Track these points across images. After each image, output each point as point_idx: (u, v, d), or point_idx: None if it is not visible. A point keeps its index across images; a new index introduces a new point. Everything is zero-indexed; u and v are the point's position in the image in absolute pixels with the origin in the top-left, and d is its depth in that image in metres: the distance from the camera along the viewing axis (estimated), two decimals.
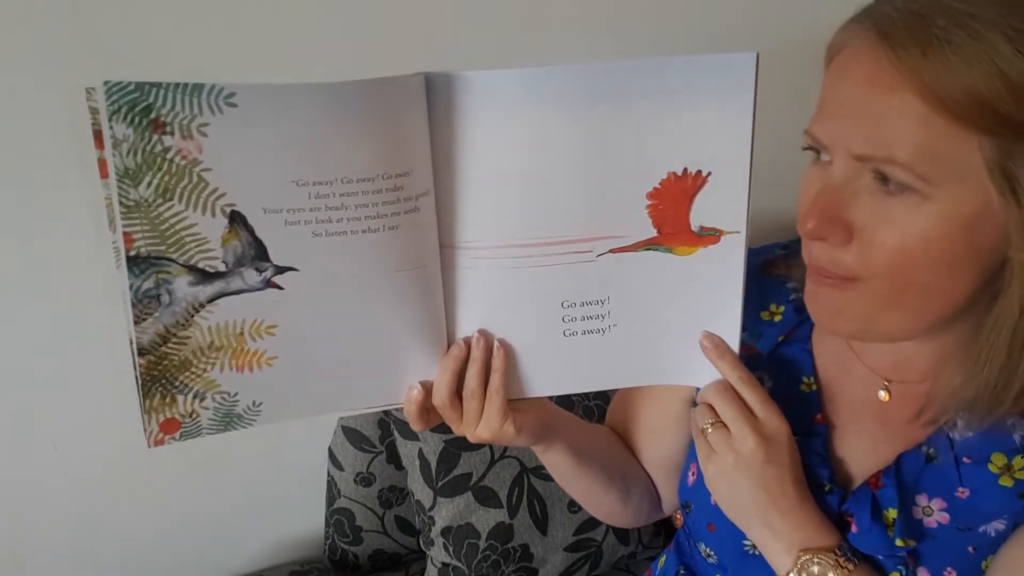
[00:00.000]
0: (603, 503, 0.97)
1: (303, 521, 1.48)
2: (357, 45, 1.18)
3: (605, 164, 0.70)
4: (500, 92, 0.67)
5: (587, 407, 1.36)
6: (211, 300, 0.67)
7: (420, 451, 1.30)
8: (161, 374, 0.69)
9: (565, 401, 1.32)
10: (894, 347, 0.81)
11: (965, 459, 0.77)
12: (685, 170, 0.71)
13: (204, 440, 1.32)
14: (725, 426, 0.78)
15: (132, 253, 0.63)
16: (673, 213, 0.73)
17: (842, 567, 0.74)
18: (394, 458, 1.37)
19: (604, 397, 1.37)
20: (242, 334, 0.69)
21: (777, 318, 0.89)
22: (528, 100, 0.67)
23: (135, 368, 0.67)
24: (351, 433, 1.36)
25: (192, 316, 0.67)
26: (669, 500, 1.02)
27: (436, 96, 0.67)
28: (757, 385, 0.77)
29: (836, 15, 0.74)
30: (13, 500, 1.28)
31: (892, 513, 0.78)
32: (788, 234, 0.94)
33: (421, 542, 1.37)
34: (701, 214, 0.73)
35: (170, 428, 0.72)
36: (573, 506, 1.34)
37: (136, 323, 0.66)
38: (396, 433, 1.33)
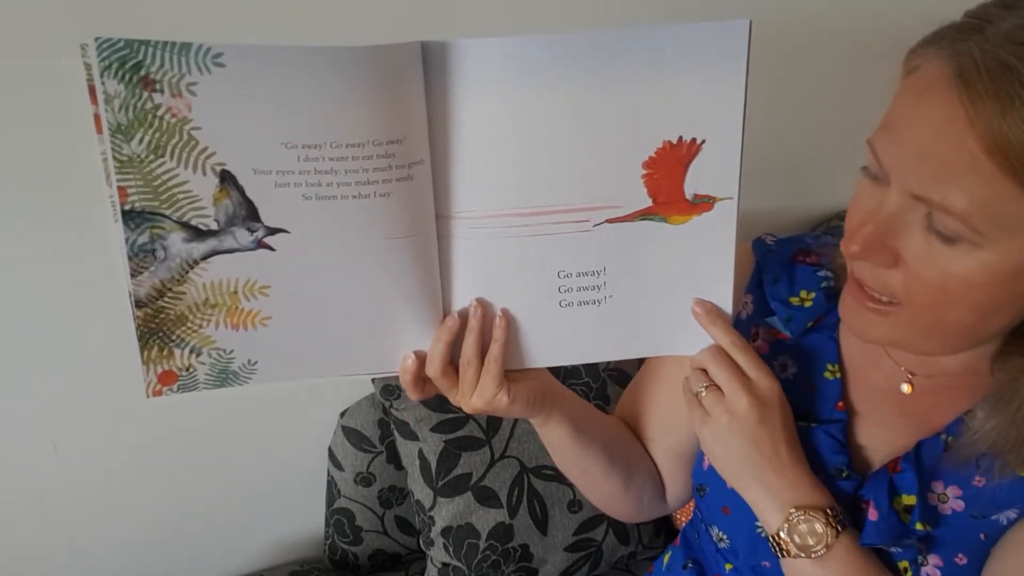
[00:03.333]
0: (603, 487, 0.96)
1: (303, 521, 1.48)
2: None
3: (600, 133, 0.71)
4: (495, 61, 0.67)
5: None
6: (205, 257, 0.69)
7: (420, 451, 1.31)
8: (158, 327, 0.70)
9: None
10: None
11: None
12: (680, 138, 0.71)
13: (204, 440, 1.33)
14: (719, 389, 0.79)
15: (127, 207, 0.65)
16: (668, 182, 0.73)
17: (832, 525, 0.75)
18: (394, 458, 1.37)
19: (605, 397, 1.37)
20: (236, 293, 0.71)
21: (808, 304, 0.89)
22: (523, 69, 0.67)
23: (134, 319, 0.69)
24: (351, 433, 1.36)
25: (187, 272, 0.69)
26: (675, 493, 1.01)
27: (432, 65, 0.67)
28: (749, 348, 0.78)
29: None
30: (13, 500, 1.27)
31: (907, 499, 0.79)
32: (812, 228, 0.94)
33: (421, 542, 1.37)
34: (695, 182, 0.74)
35: (168, 380, 0.73)
36: (573, 506, 1.34)
37: (133, 276, 0.67)
38: (396, 433, 1.33)
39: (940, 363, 0.82)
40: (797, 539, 0.76)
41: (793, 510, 0.76)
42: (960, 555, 0.78)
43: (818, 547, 0.75)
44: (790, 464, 0.77)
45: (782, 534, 0.77)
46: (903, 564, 0.79)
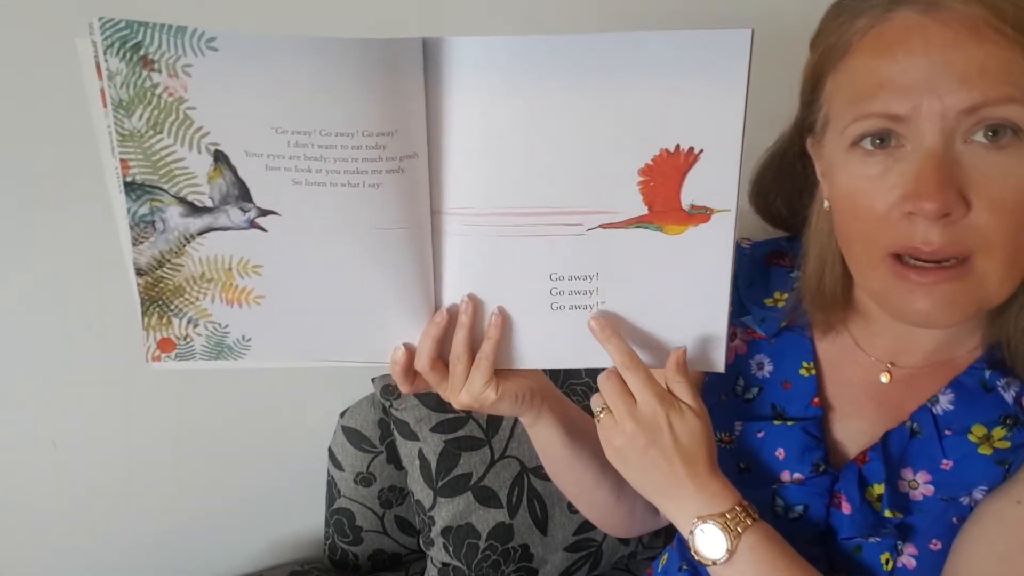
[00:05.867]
0: (595, 496, 0.97)
1: (303, 521, 1.48)
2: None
3: (597, 138, 0.71)
4: (495, 60, 0.68)
5: (587, 407, 1.32)
6: (200, 233, 0.72)
7: (420, 451, 1.31)
8: (158, 295, 0.74)
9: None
10: (899, 333, 0.83)
11: (947, 431, 0.79)
12: (677, 147, 0.71)
13: (204, 441, 1.32)
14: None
15: (128, 179, 0.69)
16: (664, 190, 0.73)
17: (730, 529, 0.76)
18: (394, 458, 1.37)
19: None
20: (230, 269, 0.74)
21: (781, 304, 0.91)
22: (522, 69, 0.68)
23: (135, 286, 0.74)
24: (351, 433, 1.37)
25: (184, 246, 0.72)
26: None
27: (432, 61, 0.68)
28: (639, 368, 0.78)
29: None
30: (13, 500, 1.28)
31: (878, 488, 0.80)
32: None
33: (421, 542, 1.37)
34: (692, 192, 0.73)
35: (167, 347, 0.77)
36: (573, 506, 1.31)
37: (134, 245, 0.72)
38: (396, 433, 1.33)
39: (921, 349, 0.83)
40: (701, 549, 0.76)
41: (696, 520, 0.77)
42: (935, 541, 0.79)
43: (720, 554, 0.75)
44: (688, 479, 0.77)
45: (691, 546, 0.77)
46: (884, 556, 0.80)
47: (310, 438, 1.41)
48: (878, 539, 0.80)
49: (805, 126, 0.81)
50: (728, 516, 0.76)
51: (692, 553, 0.77)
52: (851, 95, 0.72)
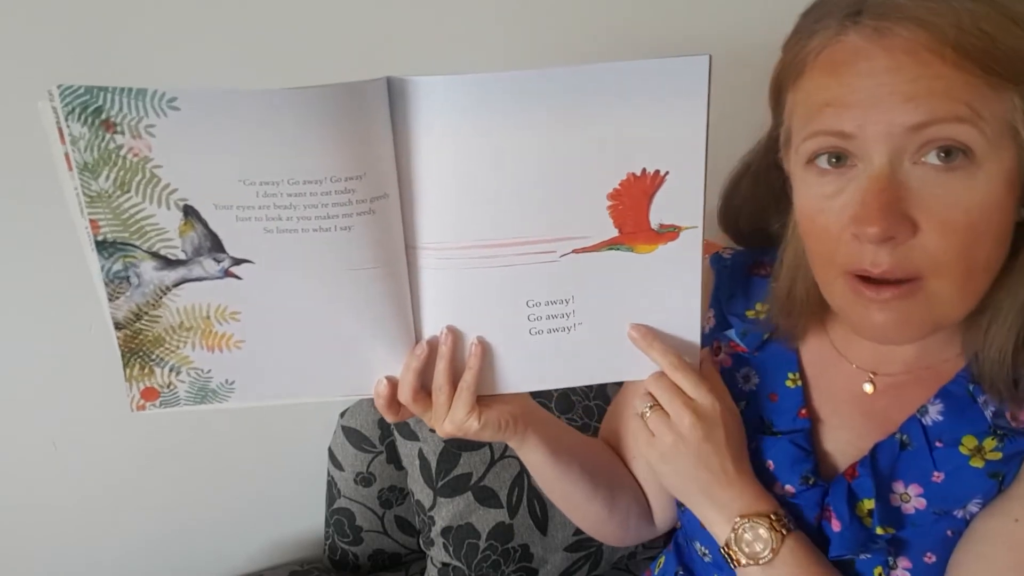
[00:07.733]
0: (587, 511, 0.98)
1: (303, 521, 1.49)
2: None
3: (565, 167, 0.73)
4: (460, 97, 0.69)
5: (587, 407, 1.37)
6: (176, 284, 0.73)
7: (420, 451, 1.31)
8: (138, 347, 0.75)
9: (566, 401, 1.33)
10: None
11: (938, 443, 0.79)
12: (644, 170, 0.73)
13: (204, 441, 1.33)
14: (664, 410, 0.81)
15: (99, 238, 0.70)
16: (633, 213, 0.75)
17: (776, 529, 0.78)
18: (394, 458, 1.38)
19: (605, 397, 1.38)
20: (208, 317, 0.75)
21: (763, 316, 0.91)
22: (488, 105, 0.70)
23: (115, 340, 0.75)
24: (351, 433, 1.37)
25: (161, 297, 0.73)
26: (661, 514, 1.02)
27: (398, 101, 0.69)
28: (688, 368, 0.81)
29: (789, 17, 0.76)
30: (13, 500, 1.29)
31: (868, 504, 0.81)
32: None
33: (421, 542, 1.38)
34: (660, 212, 0.76)
35: (150, 396, 0.78)
36: None
37: (111, 300, 0.73)
38: (396, 433, 1.34)
39: (901, 357, 0.83)
40: (745, 547, 0.78)
41: (738, 519, 0.79)
42: (929, 554, 0.79)
43: (764, 552, 0.77)
44: (736, 477, 0.80)
45: (731, 544, 0.79)
46: (877, 570, 0.81)
47: (310, 438, 1.41)
48: (869, 555, 0.81)
49: (774, 137, 0.82)
50: (773, 517, 0.78)
51: (728, 552, 0.79)
52: (803, 113, 0.73)
